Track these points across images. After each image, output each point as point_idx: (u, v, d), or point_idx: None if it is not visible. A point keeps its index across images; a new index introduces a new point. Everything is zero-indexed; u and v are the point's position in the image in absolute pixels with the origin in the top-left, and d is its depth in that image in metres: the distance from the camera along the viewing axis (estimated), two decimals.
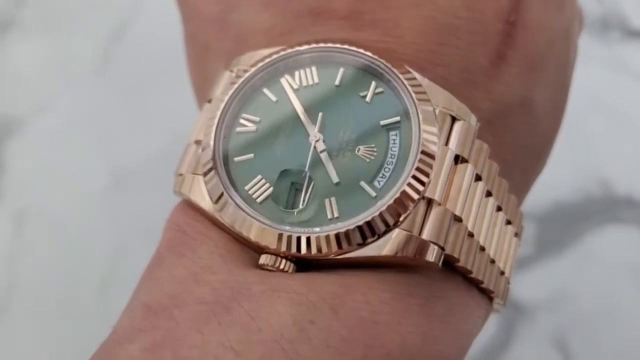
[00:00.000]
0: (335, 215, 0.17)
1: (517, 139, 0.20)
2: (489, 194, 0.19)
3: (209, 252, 0.18)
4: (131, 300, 0.18)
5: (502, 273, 0.20)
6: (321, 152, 0.18)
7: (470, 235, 0.18)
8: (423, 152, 0.17)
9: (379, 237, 0.17)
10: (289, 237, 0.17)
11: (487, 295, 0.20)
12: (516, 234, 0.21)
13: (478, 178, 0.18)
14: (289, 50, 0.19)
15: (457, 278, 0.18)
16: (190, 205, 0.19)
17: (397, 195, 0.17)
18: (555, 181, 0.43)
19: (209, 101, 0.20)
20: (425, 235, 0.17)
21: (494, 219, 0.19)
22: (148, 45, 0.49)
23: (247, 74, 0.19)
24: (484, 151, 0.19)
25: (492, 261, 0.19)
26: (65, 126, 0.48)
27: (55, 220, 0.46)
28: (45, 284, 0.44)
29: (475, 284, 0.19)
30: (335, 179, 0.18)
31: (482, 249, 0.19)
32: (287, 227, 0.17)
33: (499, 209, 0.19)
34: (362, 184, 0.17)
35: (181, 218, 0.19)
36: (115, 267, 0.45)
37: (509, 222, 0.20)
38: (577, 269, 0.41)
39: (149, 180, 0.47)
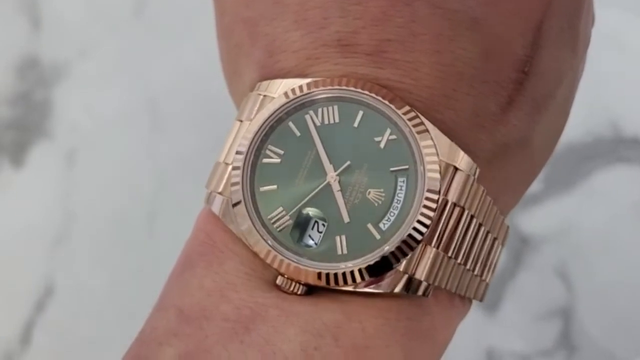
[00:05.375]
0: (344, 252, 0.19)
1: (510, 172, 0.21)
2: (480, 224, 0.20)
3: (235, 268, 0.19)
4: (164, 297, 0.20)
5: (484, 280, 0.22)
6: (336, 191, 0.19)
7: (459, 264, 0.20)
8: (425, 206, 0.19)
9: (379, 276, 0.19)
10: (304, 270, 0.19)
11: (468, 299, 0.22)
12: (502, 244, 0.22)
13: (472, 216, 0.20)
14: (314, 89, 0.20)
15: (441, 294, 0.20)
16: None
17: (399, 243, 0.19)
18: (567, 122, 0.45)
19: (240, 121, 0.21)
20: (418, 275, 0.19)
21: (481, 242, 0.21)
22: None
23: (275, 109, 0.20)
24: (479, 194, 0.20)
25: (477, 275, 0.21)
26: (107, 69, 0.51)
27: (103, 157, 0.50)
28: (98, 215, 0.49)
29: (459, 294, 0.21)
30: (346, 218, 0.19)
31: (469, 269, 0.20)
32: (302, 259, 0.19)
33: (488, 232, 0.21)
34: (369, 226, 0.19)
35: (210, 226, 0.20)
36: (159, 198, 0.49)
37: (495, 238, 0.21)
38: (582, 206, 0.44)
39: (186, 118, 0.50)
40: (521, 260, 0.44)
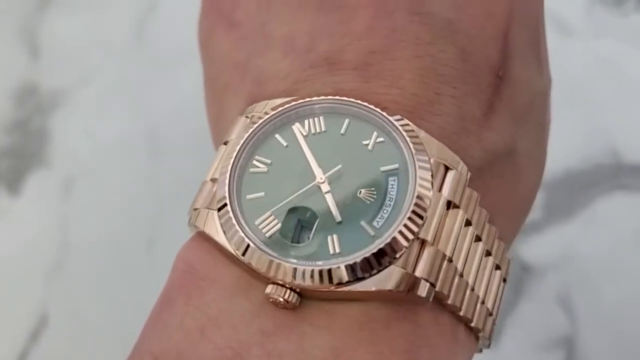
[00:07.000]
0: (337, 251, 0.18)
1: (502, 187, 0.21)
2: (478, 238, 0.20)
3: (217, 297, 0.19)
4: (140, 342, 0.19)
5: (490, 314, 0.21)
6: (326, 193, 0.19)
7: (460, 275, 0.19)
8: (418, 197, 0.19)
9: (376, 273, 0.18)
10: (294, 270, 0.18)
11: (474, 334, 0.21)
12: (504, 280, 0.22)
13: (468, 223, 0.19)
14: (300, 101, 0.20)
15: (443, 321, 0.19)
16: (203, 238, 0.20)
17: (394, 235, 0.18)
18: (566, 149, 0.45)
19: (225, 143, 0.21)
20: (417, 273, 0.18)
21: (483, 263, 0.20)
22: (179, 18, 0.51)
23: (261, 121, 0.20)
24: (474, 198, 0.20)
25: (482, 302, 0.20)
26: (105, 96, 0.51)
27: (101, 185, 0.49)
28: (95, 242, 0.48)
29: (464, 323, 0.20)
30: (338, 218, 0.19)
31: (472, 289, 0.20)
32: (293, 260, 0.18)
33: (488, 253, 0.20)
34: (363, 223, 0.19)
35: (192, 252, 0.20)
36: (157, 225, 0.48)
37: (497, 267, 0.21)
38: (583, 233, 0.43)
39: (185, 145, 0.50)
40: (522, 289, 0.43)
